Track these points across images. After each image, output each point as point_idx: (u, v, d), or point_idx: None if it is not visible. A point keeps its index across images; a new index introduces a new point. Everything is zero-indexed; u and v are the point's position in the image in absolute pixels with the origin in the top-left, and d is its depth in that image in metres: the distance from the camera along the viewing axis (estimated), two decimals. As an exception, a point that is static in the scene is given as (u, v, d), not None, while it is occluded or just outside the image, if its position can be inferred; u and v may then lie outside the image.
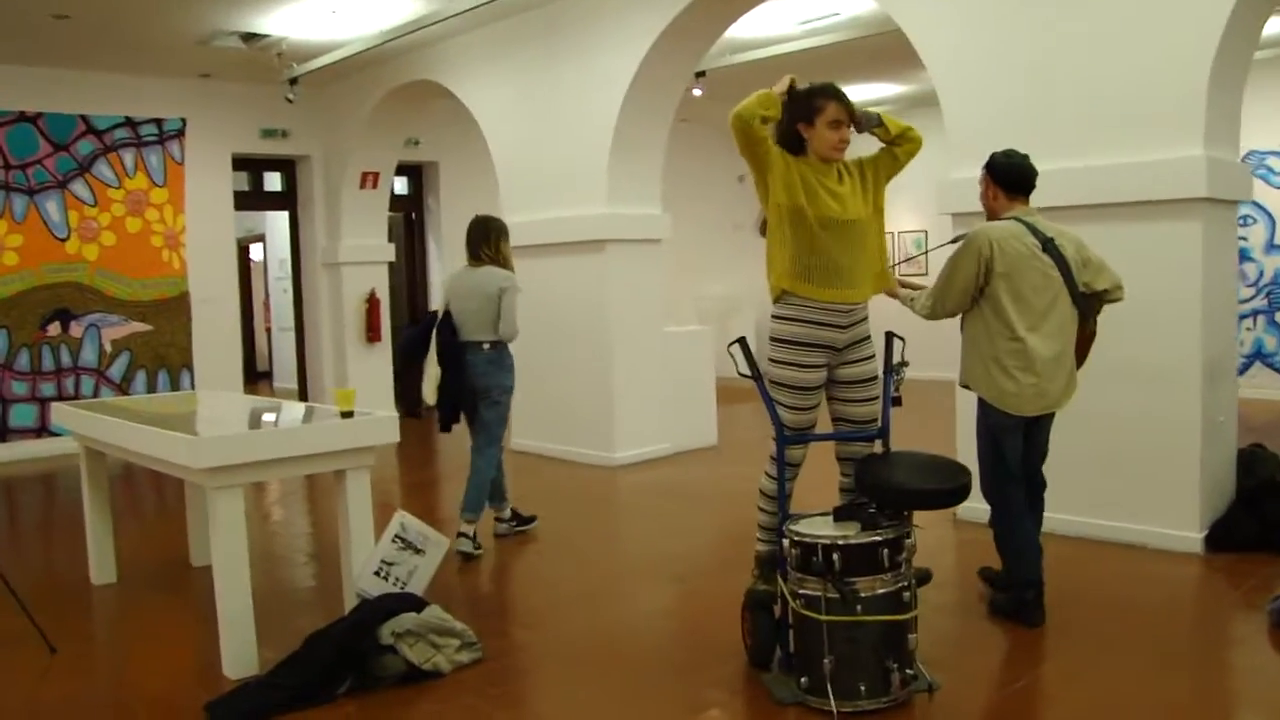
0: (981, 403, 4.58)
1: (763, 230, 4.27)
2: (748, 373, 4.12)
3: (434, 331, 6.05)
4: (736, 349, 4.15)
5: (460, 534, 5.92)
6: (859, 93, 12.83)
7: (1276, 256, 10.80)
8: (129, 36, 9.24)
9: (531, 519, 6.55)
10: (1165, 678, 4.01)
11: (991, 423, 4.55)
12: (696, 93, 10.07)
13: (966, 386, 4.65)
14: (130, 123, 10.59)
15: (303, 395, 12.60)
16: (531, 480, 8.34)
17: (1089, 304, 4.51)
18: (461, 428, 6.19)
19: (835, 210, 4.00)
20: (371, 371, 11.96)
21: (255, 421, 5.00)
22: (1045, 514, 4.84)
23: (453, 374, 5.94)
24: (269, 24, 9.09)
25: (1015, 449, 4.56)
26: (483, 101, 9.70)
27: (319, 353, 12.43)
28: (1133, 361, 5.57)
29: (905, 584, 3.73)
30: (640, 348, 8.74)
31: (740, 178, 16.49)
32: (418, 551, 4.53)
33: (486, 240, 6.23)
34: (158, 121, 10.72)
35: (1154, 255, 5.54)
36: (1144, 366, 5.60)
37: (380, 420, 4.48)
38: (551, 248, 8.95)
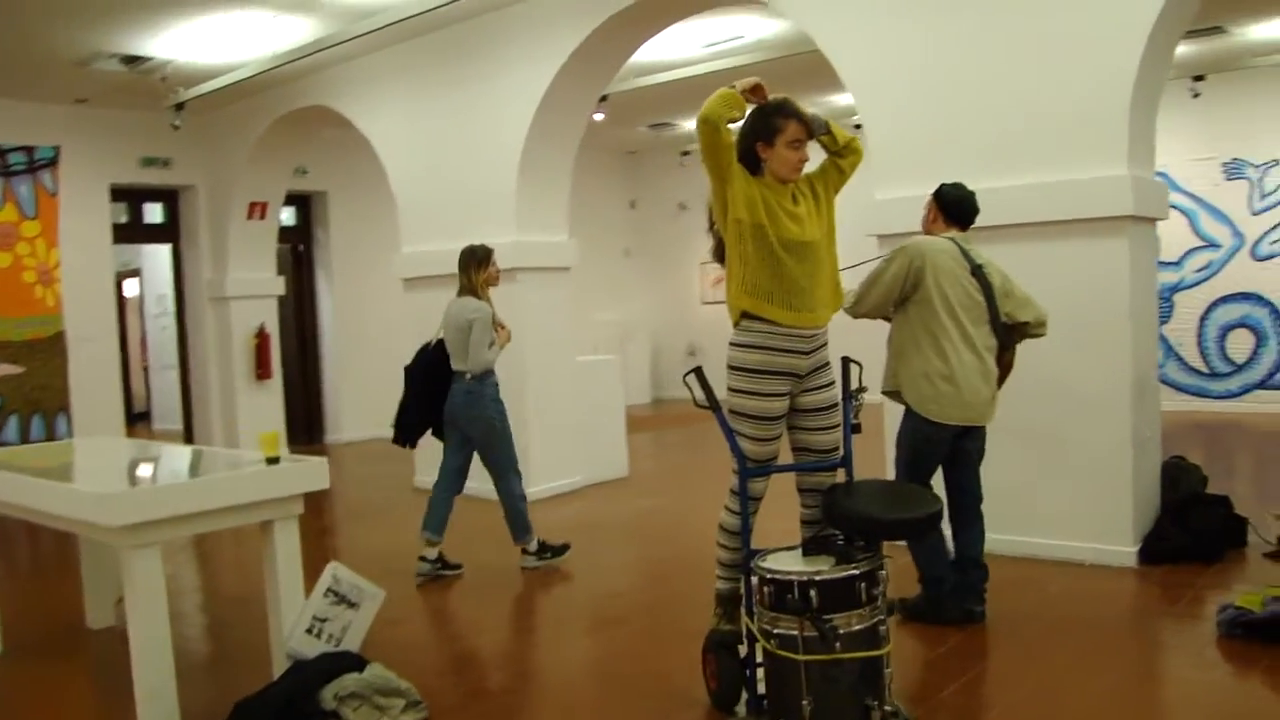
0: (907, 411, 4.74)
1: (717, 256, 4.08)
2: (704, 404, 3.91)
3: (421, 355, 6.21)
4: (693, 379, 3.94)
5: (524, 556, 6.21)
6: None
7: (1166, 272, 11.09)
8: (-3, 58, 8.68)
9: (457, 565, 6.31)
10: (1127, 695, 4.01)
11: (915, 431, 4.72)
12: (598, 117, 9.90)
13: (890, 393, 4.82)
14: (-3, 151, 9.95)
15: (188, 437, 11.98)
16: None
17: (1009, 334, 4.73)
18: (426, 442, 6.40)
19: (795, 232, 3.84)
20: (262, 409, 11.43)
21: (168, 472, 4.62)
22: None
23: (415, 398, 6.08)
24: (154, 46, 8.61)
25: (934, 459, 4.77)
26: (380, 127, 9.36)
27: (206, 392, 11.84)
28: (1063, 380, 5.59)
29: (881, 617, 3.57)
30: (552, 378, 8.51)
31: (632, 203, 16.45)
32: (351, 605, 4.21)
33: (464, 269, 6.19)
34: (28, 149, 10.10)
35: (1082, 274, 5.57)
36: (1075, 385, 5.60)
37: (310, 466, 4.15)
38: (453, 278, 8.62)
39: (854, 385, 4.06)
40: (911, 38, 6.06)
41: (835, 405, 4.01)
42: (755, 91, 3.83)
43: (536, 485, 8.29)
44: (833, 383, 4.03)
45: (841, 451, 4.03)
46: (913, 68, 6.07)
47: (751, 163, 3.89)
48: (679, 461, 10.74)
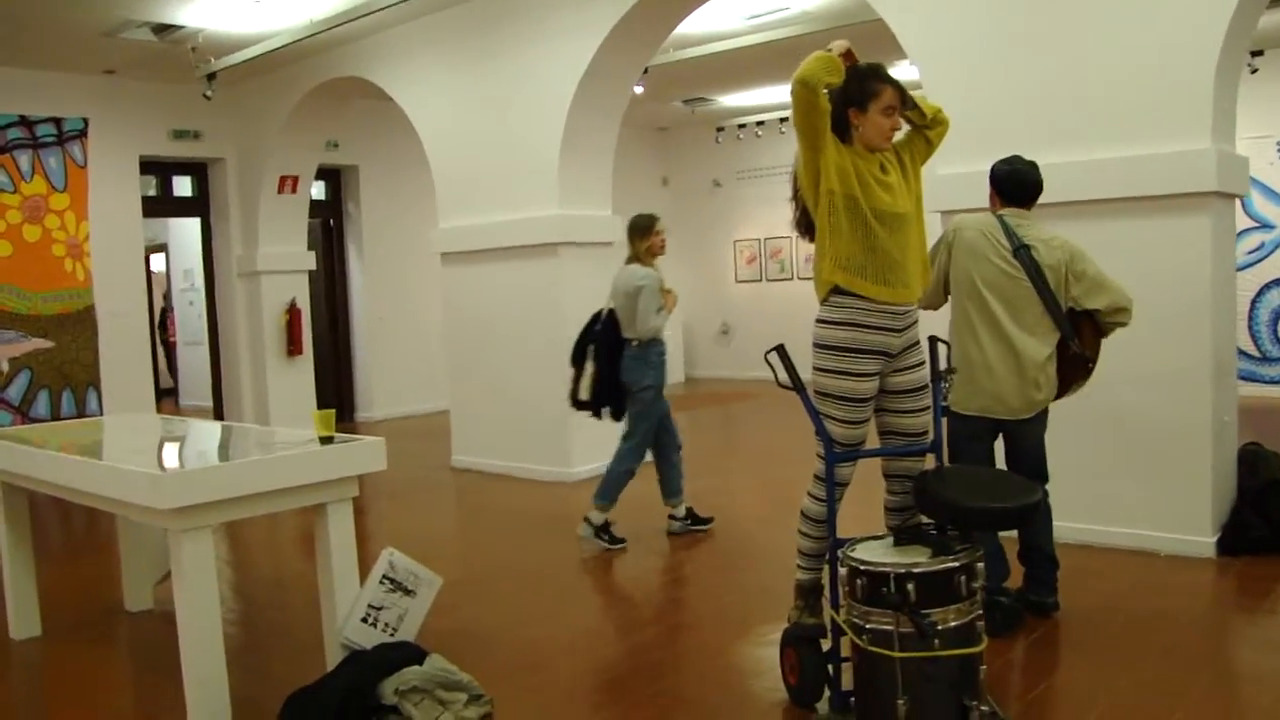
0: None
1: (800, 227, 3.84)
2: (788, 384, 3.69)
3: (592, 328, 6.30)
4: (774, 357, 3.71)
5: (586, 519, 6.25)
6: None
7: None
8: (24, 26, 8.45)
9: (709, 520, 6.50)
10: (1229, 698, 3.79)
11: (949, 420, 4.34)
12: (638, 90, 9.65)
13: None
14: (25, 122, 9.70)
15: (218, 414, 11.83)
16: (483, 501, 7.84)
17: (1080, 322, 4.33)
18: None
19: (887, 202, 3.61)
20: (294, 387, 11.28)
21: (221, 452, 4.42)
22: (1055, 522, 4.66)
23: (604, 368, 6.18)
24: (185, 14, 8.39)
25: (969, 453, 4.42)
26: (416, 99, 9.13)
27: (236, 368, 11.67)
28: (1140, 361, 5.32)
29: (979, 612, 3.36)
30: (594, 357, 8.27)
31: (664, 180, 16.18)
32: (408, 593, 4.02)
33: (631, 239, 6.31)
34: (56, 121, 9.88)
35: (1162, 252, 5.32)
36: (1153, 367, 5.36)
37: (366, 446, 3.95)
38: (497, 253, 8.46)
39: (943, 365, 3.85)
40: (978, 6, 5.80)
41: (926, 386, 3.78)
42: (846, 56, 3.59)
43: (580, 465, 8.12)
44: (923, 362, 3.80)
45: (931, 435, 3.80)
46: (981, 35, 5.81)
47: (841, 129, 3.64)
48: (718, 442, 10.53)
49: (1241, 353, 11.10)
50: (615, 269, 8.41)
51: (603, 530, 6.22)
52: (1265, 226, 11.12)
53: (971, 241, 4.36)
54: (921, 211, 3.85)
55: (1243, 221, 11.07)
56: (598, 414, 6.31)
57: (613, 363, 6.16)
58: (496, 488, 8.17)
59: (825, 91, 3.50)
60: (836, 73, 3.52)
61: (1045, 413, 4.46)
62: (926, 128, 3.86)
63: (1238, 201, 6.08)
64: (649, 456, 6.40)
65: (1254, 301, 11.18)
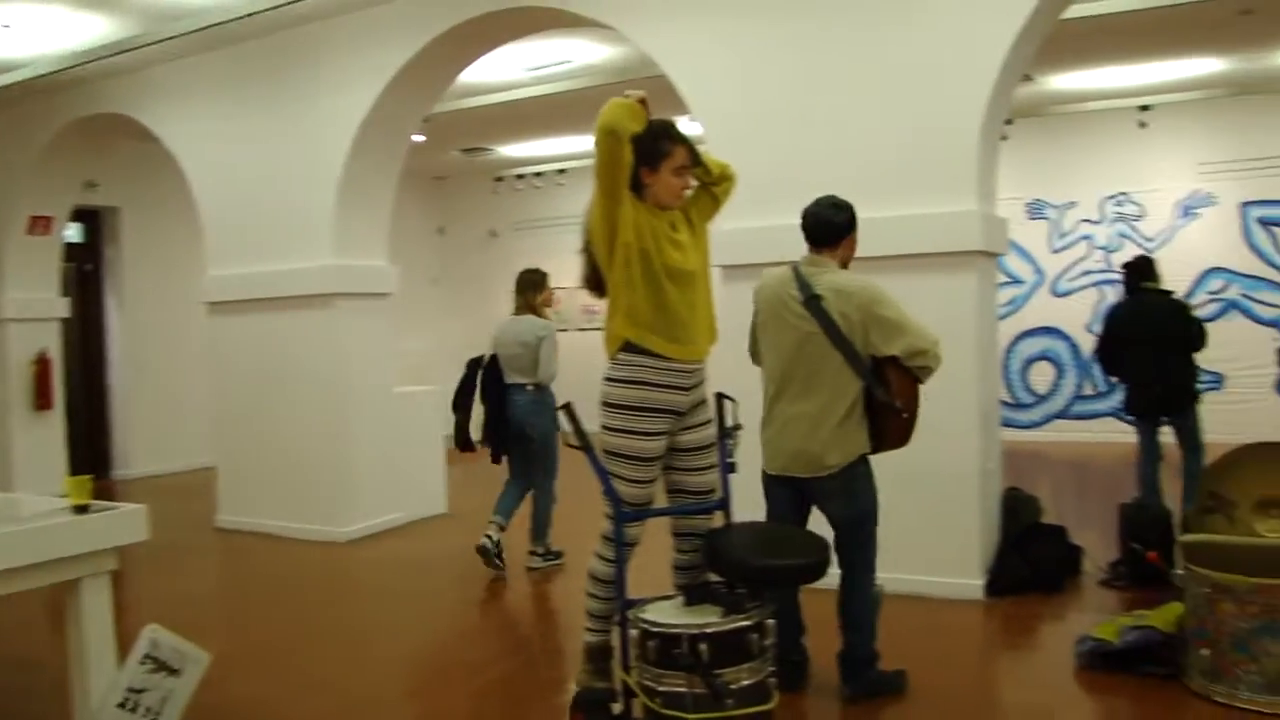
0: None
1: (589, 283, 3.80)
2: (576, 443, 3.63)
3: (479, 374, 6.66)
4: (562, 415, 3.66)
5: (531, 552, 6.72)
6: (583, 144, 12.65)
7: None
8: None
9: (559, 554, 6.79)
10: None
11: (763, 483, 4.30)
12: (418, 138, 9.51)
13: None
14: None
15: (-48, 475, 10.84)
16: (253, 564, 7.43)
17: (884, 369, 4.05)
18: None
19: (678, 260, 3.62)
20: (42, 444, 10.41)
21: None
22: (831, 570, 4.21)
23: (494, 411, 6.54)
24: (-78, 40, 7.75)
25: (772, 507, 4.27)
26: (185, 140, 8.67)
27: (-25, 424, 10.74)
28: (913, 413, 5.51)
29: (771, 670, 3.37)
30: (371, 410, 8.04)
31: (440, 230, 15.98)
32: (173, 672, 3.72)
33: (523, 292, 6.76)
34: None
35: (934, 307, 5.47)
36: (924, 417, 5.50)
37: (125, 515, 3.65)
38: (269, 303, 8.11)
39: (729, 422, 3.87)
40: (761, 67, 5.99)
41: (713, 444, 3.80)
42: (642, 105, 3.57)
43: (356, 524, 7.84)
44: (710, 420, 3.82)
45: (719, 493, 3.81)
46: (764, 95, 5.99)
47: (632, 186, 3.63)
48: (495, 495, 10.33)
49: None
50: (386, 320, 8.27)
51: (548, 554, 6.73)
52: (1016, 281, 11.90)
53: (768, 297, 4.24)
54: (708, 268, 3.88)
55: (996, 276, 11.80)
56: (497, 455, 6.69)
57: (500, 406, 6.53)
58: (267, 549, 7.78)
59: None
60: (640, 120, 3.50)
61: (854, 474, 4.15)
62: (713, 184, 3.90)
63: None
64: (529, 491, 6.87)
65: (1008, 351, 11.91)
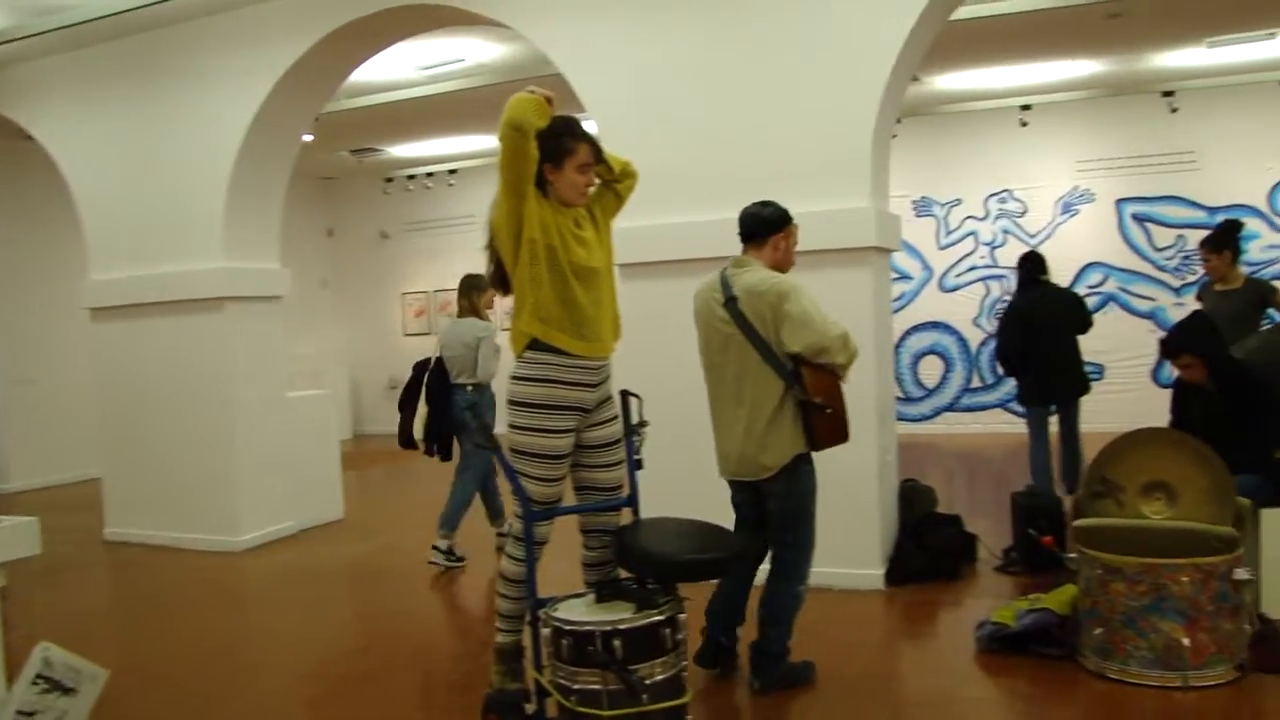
0: None
1: (496, 280, 3.78)
2: (484, 443, 3.61)
3: (425, 375, 6.83)
4: (469, 417, 3.63)
5: (434, 547, 6.70)
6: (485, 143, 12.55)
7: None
8: None
9: (461, 559, 6.81)
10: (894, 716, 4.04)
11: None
12: (307, 138, 9.33)
13: None
14: None
15: None
16: (145, 576, 7.20)
17: (798, 366, 4.06)
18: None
19: (583, 257, 3.61)
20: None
21: None
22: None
23: (440, 411, 6.71)
24: None
25: (736, 510, 4.35)
26: (65, 140, 8.35)
27: None
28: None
29: (684, 664, 3.39)
30: (263, 416, 7.87)
31: (330, 231, 15.73)
32: (67, 692, 3.58)
33: (466, 294, 6.93)
34: None
35: (831, 302, 5.44)
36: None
37: (15, 528, 3.50)
38: (156, 308, 7.87)
39: (635, 419, 3.88)
40: (656, 66, 6.02)
41: (620, 440, 3.81)
42: (547, 104, 3.54)
43: (249, 532, 7.67)
44: (616, 417, 3.83)
45: (627, 490, 3.82)
46: (660, 92, 6.02)
47: (537, 183, 3.61)
48: (393, 500, 10.27)
49: (888, 394, 12.01)
50: (278, 324, 8.11)
51: (451, 554, 6.76)
52: (905, 278, 12.15)
53: (700, 303, 4.28)
54: (612, 265, 3.88)
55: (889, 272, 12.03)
56: (430, 451, 6.82)
57: (444, 405, 6.70)
58: (158, 561, 7.54)
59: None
60: (545, 116, 3.47)
61: (795, 474, 4.17)
62: (616, 181, 3.90)
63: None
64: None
65: (898, 346, 12.15)
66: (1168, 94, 10.79)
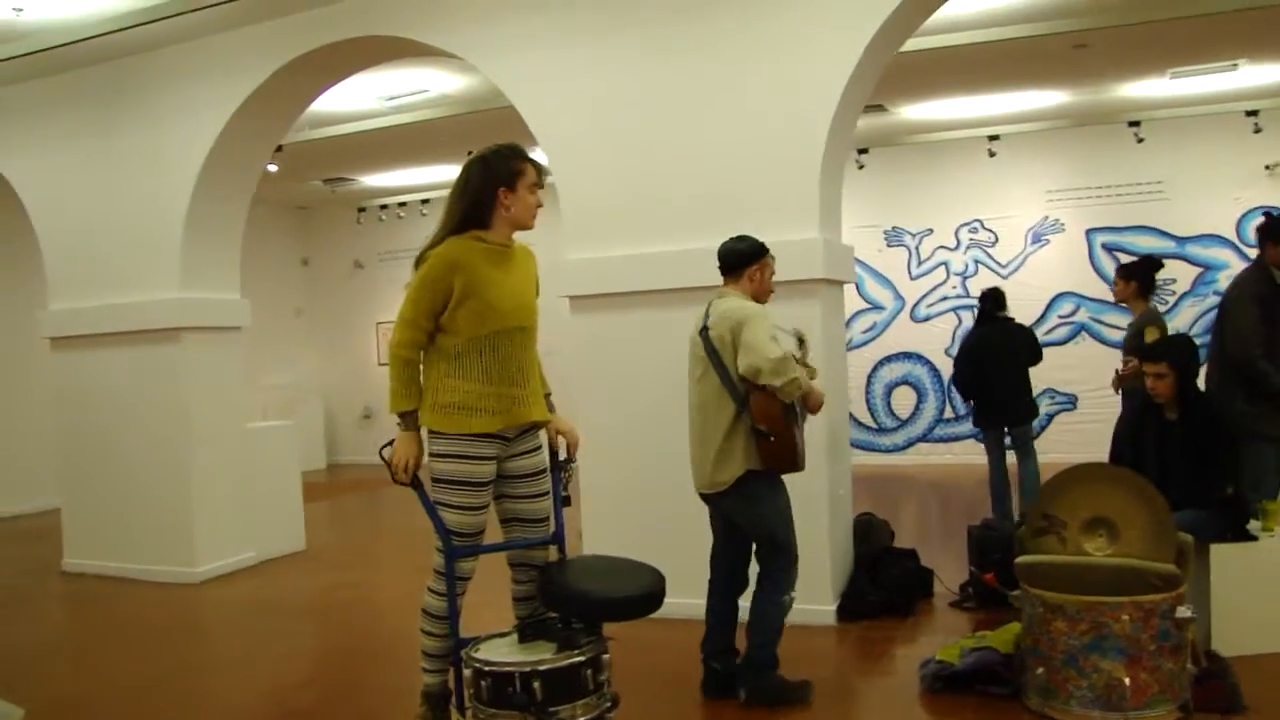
0: None
1: None
2: (404, 480, 3.57)
3: None
4: (389, 451, 3.59)
5: None
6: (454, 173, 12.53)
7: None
8: None
9: None
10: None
11: None
12: (271, 168, 9.32)
13: None
14: None
15: None
16: (98, 609, 7.10)
17: (748, 393, 4.21)
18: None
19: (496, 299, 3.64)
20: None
21: None
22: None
23: None
24: None
25: (713, 524, 4.62)
26: (24, 168, 8.30)
27: None
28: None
29: (608, 705, 3.33)
30: (221, 447, 7.80)
31: (304, 261, 15.71)
32: (-21, 732, 3.53)
33: None
34: None
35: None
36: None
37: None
38: (113, 338, 7.81)
39: (562, 455, 3.84)
40: (606, 99, 6.01)
41: (544, 471, 3.77)
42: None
43: (207, 564, 7.59)
44: (540, 447, 3.79)
45: (553, 525, 3.77)
46: (610, 126, 6.00)
47: (486, 210, 3.67)
48: (359, 531, 10.18)
49: (860, 424, 12.01)
50: (237, 354, 8.05)
51: None
52: (877, 308, 12.15)
53: (690, 333, 4.52)
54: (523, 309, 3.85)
55: (857, 303, 12.05)
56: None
57: None
58: (115, 593, 7.45)
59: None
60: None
61: (748, 489, 4.32)
62: None
63: (851, 286, 6.50)
64: None
65: (870, 376, 12.15)
66: (1134, 124, 10.83)
